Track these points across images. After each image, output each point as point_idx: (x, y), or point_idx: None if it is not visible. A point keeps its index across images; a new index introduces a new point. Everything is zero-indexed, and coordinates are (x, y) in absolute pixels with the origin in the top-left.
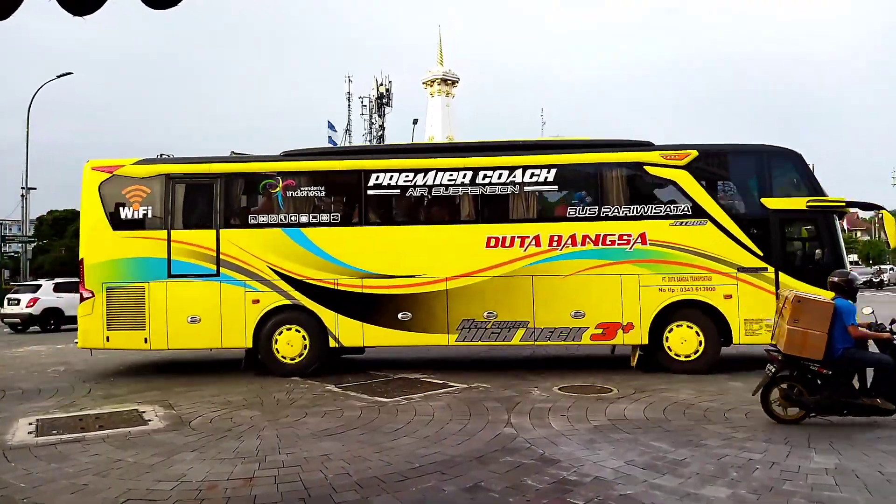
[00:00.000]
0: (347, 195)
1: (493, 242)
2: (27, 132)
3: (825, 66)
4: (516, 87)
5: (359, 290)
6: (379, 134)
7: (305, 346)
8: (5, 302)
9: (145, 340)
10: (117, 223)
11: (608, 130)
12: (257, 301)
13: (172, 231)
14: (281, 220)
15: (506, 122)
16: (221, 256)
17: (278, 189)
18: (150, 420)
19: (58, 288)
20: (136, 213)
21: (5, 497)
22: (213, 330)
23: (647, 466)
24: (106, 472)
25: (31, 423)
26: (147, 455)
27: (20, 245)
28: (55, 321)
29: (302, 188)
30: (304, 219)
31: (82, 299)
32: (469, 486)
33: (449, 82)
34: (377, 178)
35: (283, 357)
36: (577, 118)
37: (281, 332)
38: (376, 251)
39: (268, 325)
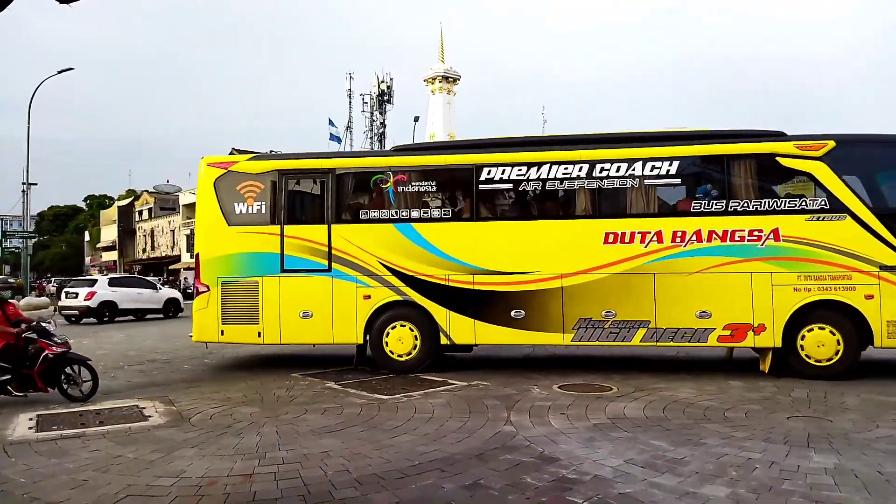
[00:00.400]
0: (459, 190)
1: (611, 238)
2: (28, 128)
3: (825, 66)
4: (516, 87)
5: (470, 287)
6: (380, 131)
7: (416, 342)
8: (63, 295)
9: (259, 335)
10: (232, 218)
11: (609, 130)
12: (368, 297)
13: (285, 226)
14: (392, 215)
15: (506, 121)
16: (333, 252)
17: (389, 184)
18: (150, 416)
19: (112, 283)
20: (249, 208)
21: (5, 492)
22: (325, 325)
23: (647, 465)
24: (106, 468)
25: (31, 419)
26: (147, 451)
27: (21, 240)
28: (110, 313)
29: (413, 183)
30: (414, 214)
31: (197, 293)
32: (468, 483)
33: (450, 79)
34: (489, 173)
35: (393, 353)
36: (578, 118)
37: (392, 328)
38: (488, 247)
39: (379, 321)
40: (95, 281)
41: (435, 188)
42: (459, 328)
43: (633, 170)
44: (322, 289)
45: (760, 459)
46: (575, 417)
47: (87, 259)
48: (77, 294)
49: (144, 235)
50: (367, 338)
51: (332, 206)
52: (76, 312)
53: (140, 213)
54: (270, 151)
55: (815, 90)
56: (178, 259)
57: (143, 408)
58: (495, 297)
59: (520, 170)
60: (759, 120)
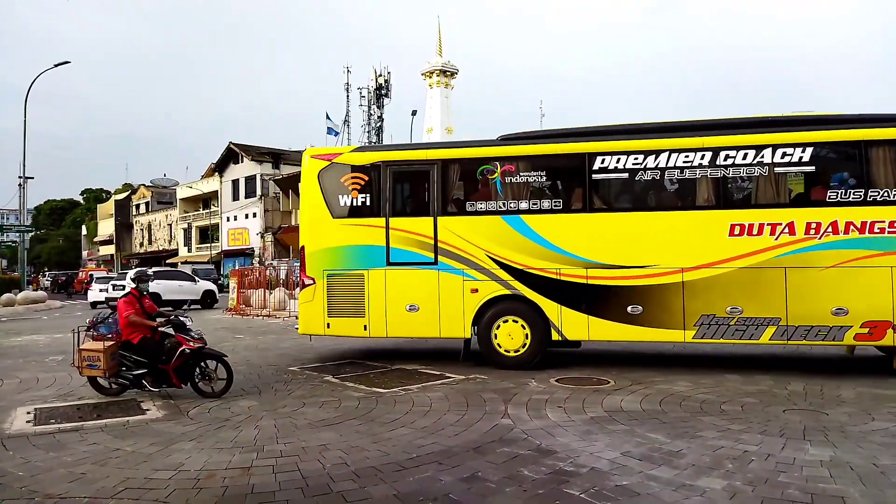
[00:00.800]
0: (570, 180)
1: (737, 230)
2: (25, 122)
3: (825, 66)
4: (511, 83)
5: (583, 281)
6: (377, 125)
7: (527, 338)
8: (110, 287)
9: (365, 328)
10: (336, 211)
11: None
12: (476, 290)
13: (391, 218)
14: (500, 206)
15: (503, 116)
16: (439, 244)
17: (496, 175)
18: (147, 409)
19: (157, 275)
20: (354, 200)
21: (3, 485)
22: (432, 319)
23: (643, 457)
24: (104, 462)
25: (29, 412)
26: (145, 444)
27: (17, 234)
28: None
29: (521, 173)
30: (523, 205)
31: (303, 286)
32: (466, 476)
33: (448, 73)
34: (603, 162)
35: (503, 349)
36: (577, 117)
37: (501, 324)
38: (602, 240)
39: (487, 316)
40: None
41: (545, 178)
42: (572, 324)
43: (762, 157)
44: (428, 282)
45: (756, 452)
46: (572, 410)
47: (85, 253)
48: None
49: (142, 229)
50: (474, 332)
51: (438, 197)
52: None
53: (137, 206)
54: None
55: (815, 90)
56: (175, 253)
57: (141, 401)
58: (611, 291)
59: (636, 158)
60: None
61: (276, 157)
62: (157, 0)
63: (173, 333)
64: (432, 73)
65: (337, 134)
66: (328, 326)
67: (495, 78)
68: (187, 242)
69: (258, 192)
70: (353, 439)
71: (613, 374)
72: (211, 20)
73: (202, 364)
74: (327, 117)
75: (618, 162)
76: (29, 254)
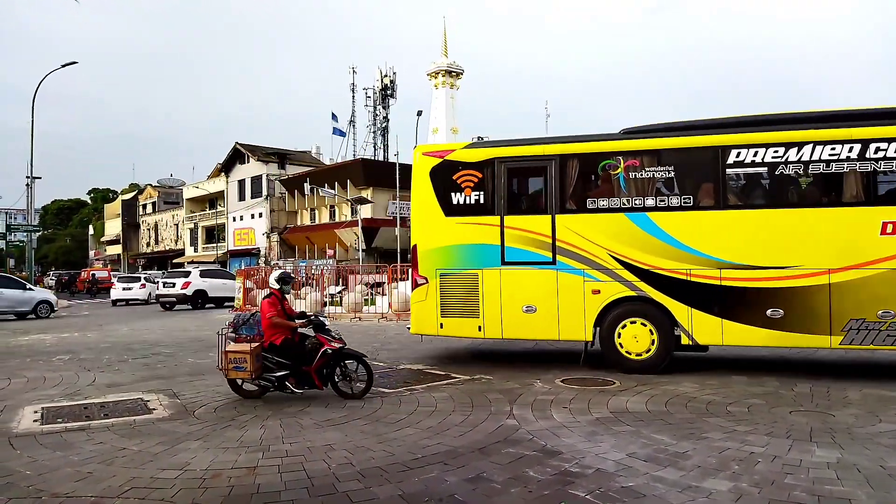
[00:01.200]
0: (701, 175)
1: (890, 228)
2: (32, 122)
3: (825, 65)
4: (510, 84)
5: (716, 283)
6: (383, 126)
7: (654, 341)
8: (160, 284)
9: (479, 329)
10: (449, 209)
11: (612, 125)
12: (598, 291)
13: (506, 217)
14: (623, 203)
15: (502, 116)
16: (557, 243)
17: (620, 170)
18: (154, 409)
19: (203, 274)
20: (467, 198)
21: (11, 484)
22: (550, 321)
23: (649, 459)
24: (110, 461)
25: (36, 412)
26: (151, 444)
27: (25, 234)
28: (202, 301)
29: (647, 168)
30: (649, 202)
31: (416, 286)
32: (471, 476)
33: (453, 73)
34: (738, 155)
35: (627, 352)
36: (578, 116)
37: (625, 326)
38: (737, 238)
39: (610, 318)
40: (189, 273)
41: (673, 173)
42: (703, 327)
43: None
44: (546, 282)
45: (763, 453)
46: (577, 411)
47: (92, 253)
48: (174, 284)
49: (148, 229)
50: (596, 335)
51: (556, 194)
52: (173, 300)
53: (144, 206)
54: (476, 138)
55: (816, 90)
56: (181, 253)
57: (148, 400)
58: (747, 293)
59: (776, 151)
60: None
61: (281, 157)
62: (156, 0)
63: (313, 334)
64: (438, 73)
65: (343, 135)
66: (441, 327)
67: (494, 78)
68: (193, 242)
69: (264, 192)
70: (358, 439)
71: (618, 374)
72: (210, 20)
73: (342, 365)
74: (333, 118)
75: (755, 155)
76: (36, 253)
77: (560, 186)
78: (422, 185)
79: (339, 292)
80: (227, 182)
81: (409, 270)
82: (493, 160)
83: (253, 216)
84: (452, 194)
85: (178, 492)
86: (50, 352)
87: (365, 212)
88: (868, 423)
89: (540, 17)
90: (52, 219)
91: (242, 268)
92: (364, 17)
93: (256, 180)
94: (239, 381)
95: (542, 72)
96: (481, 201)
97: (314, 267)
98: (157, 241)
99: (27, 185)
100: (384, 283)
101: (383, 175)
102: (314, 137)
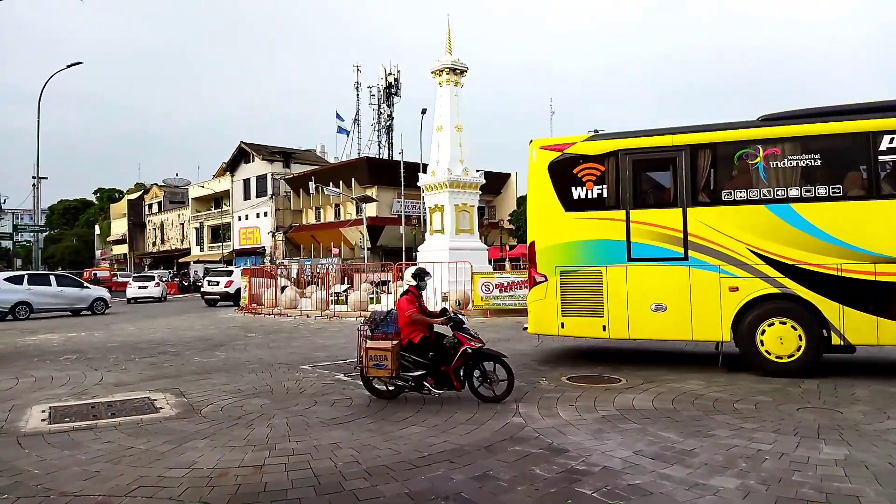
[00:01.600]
0: (851, 162)
1: None
2: (38, 122)
3: (826, 65)
4: (510, 82)
5: (871, 278)
6: (387, 124)
7: (801, 342)
8: (205, 283)
9: (604, 328)
10: (570, 204)
11: (616, 126)
12: (736, 289)
13: (631, 211)
14: (764, 194)
15: (502, 115)
16: (689, 238)
17: (759, 159)
18: (161, 408)
19: (244, 273)
20: (589, 192)
21: (19, 483)
22: (682, 320)
23: (656, 456)
24: (118, 460)
25: (43, 411)
26: (158, 442)
27: (32, 234)
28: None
29: (789, 157)
30: (793, 192)
31: (534, 284)
32: (477, 474)
33: (458, 71)
34: (892, 141)
35: (771, 354)
36: (583, 116)
37: (770, 325)
38: (893, 230)
39: (750, 317)
40: (231, 272)
41: (819, 161)
42: (857, 326)
43: None
44: (677, 279)
45: (770, 451)
46: (583, 409)
47: (98, 252)
48: (218, 282)
49: (154, 229)
50: (734, 335)
51: (687, 186)
52: (217, 297)
53: (150, 206)
54: (593, 132)
55: (816, 89)
56: (187, 252)
57: (155, 399)
58: None
59: None
60: (729, 115)
61: (286, 156)
62: (156, 1)
63: (451, 333)
64: (442, 71)
65: (347, 133)
66: (562, 326)
67: (494, 77)
68: (199, 242)
69: (269, 191)
70: (364, 438)
71: (625, 372)
72: (212, 19)
73: (481, 365)
74: (338, 116)
75: None
76: (43, 253)
77: (691, 178)
78: (539, 181)
79: (345, 291)
80: (233, 181)
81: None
82: (616, 152)
83: (258, 215)
84: (573, 189)
85: (185, 490)
86: (57, 351)
87: (370, 210)
88: (876, 419)
89: (540, 16)
90: (58, 219)
91: (248, 266)
92: (366, 16)
93: (261, 179)
94: (375, 382)
95: (542, 70)
96: (604, 195)
97: (319, 266)
98: (163, 241)
99: (33, 185)
100: (389, 281)
101: (388, 173)
102: (319, 136)
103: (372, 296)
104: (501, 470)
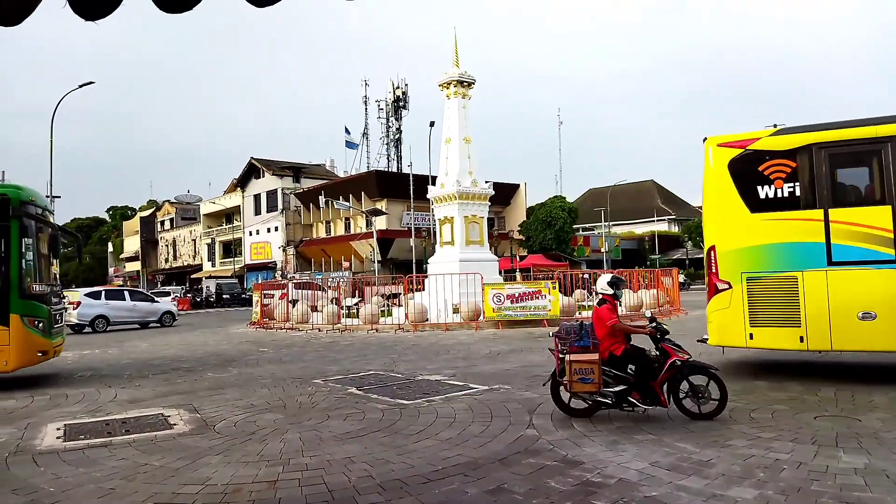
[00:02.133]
0: None
1: None
2: (51, 142)
3: (827, 66)
4: (514, 89)
5: None
6: (396, 137)
7: None
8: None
9: (801, 339)
10: (755, 204)
11: (625, 131)
12: None
13: (830, 210)
14: None
15: (507, 123)
16: None
17: None
18: (175, 424)
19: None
20: (779, 191)
21: (35, 501)
22: (894, 329)
23: (672, 467)
24: (132, 476)
25: (58, 428)
26: (173, 459)
27: None
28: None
29: None
30: None
31: (715, 292)
32: (492, 488)
33: (465, 84)
34: None
35: None
36: (591, 119)
37: None
38: None
39: None
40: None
41: None
42: None
43: None
44: (889, 284)
45: (788, 460)
46: (598, 420)
47: (111, 270)
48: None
49: (167, 245)
50: None
51: None
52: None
53: (162, 223)
54: (774, 126)
55: (818, 90)
56: (199, 268)
57: (168, 416)
58: None
59: None
60: (737, 118)
61: (296, 171)
62: (159, 17)
63: (653, 344)
64: (449, 83)
65: (356, 147)
66: (751, 338)
67: (497, 82)
68: (211, 257)
69: (279, 206)
70: (377, 452)
71: None
72: (219, 36)
73: (688, 379)
74: (346, 131)
75: None
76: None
77: None
78: (718, 180)
79: (356, 304)
80: (244, 197)
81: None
82: (810, 147)
83: (269, 230)
84: (759, 188)
85: None
86: (71, 368)
87: (380, 223)
88: (895, 427)
89: (539, 17)
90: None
91: (260, 281)
92: (375, 30)
93: (272, 194)
94: (566, 395)
95: (544, 74)
96: (797, 194)
97: (331, 279)
98: (175, 257)
99: None
100: (400, 294)
101: (397, 186)
102: (328, 150)
103: (383, 308)
104: (516, 483)
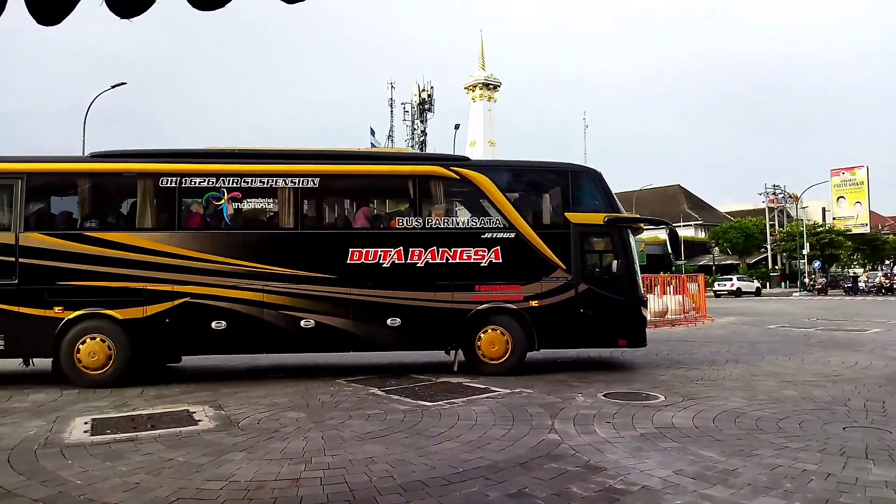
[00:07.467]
0: None
1: None
2: (83, 143)
3: (830, 66)
4: (548, 94)
5: None
6: (421, 139)
7: None
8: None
9: None
10: None
11: (652, 132)
12: None
13: None
14: None
15: (532, 128)
16: None
17: None
18: (200, 420)
19: None
20: None
21: (63, 493)
22: None
23: (697, 476)
24: (157, 472)
25: (86, 423)
26: (197, 454)
27: None
28: None
29: None
30: None
31: None
32: (513, 492)
33: (491, 86)
34: None
35: None
36: (617, 123)
37: None
38: None
39: None
40: None
41: None
42: None
43: None
44: None
45: (816, 471)
46: (621, 426)
47: None
48: None
49: None
50: None
51: None
52: None
53: None
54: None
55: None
56: None
57: (194, 412)
58: None
59: None
60: (763, 122)
61: None
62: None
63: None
64: (475, 86)
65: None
66: None
67: (525, 87)
68: None
69: None
70: (399, 452)
71: (663, 388)
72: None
73: None
74: (371, 133)
75: None
76: None
77: None
78: None
79: None
80: None
81: None
82: None
83: None
84: None
85: (223, 503)
86: None
87: None
88: None
89: (563, 23)
90: None
91: None
92: (401, 32)
93: None
94: None
95: (573, 77)
96: None
97: None
98: None
99: None
100: None
101: None
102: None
103: None
104: (537, 487)
